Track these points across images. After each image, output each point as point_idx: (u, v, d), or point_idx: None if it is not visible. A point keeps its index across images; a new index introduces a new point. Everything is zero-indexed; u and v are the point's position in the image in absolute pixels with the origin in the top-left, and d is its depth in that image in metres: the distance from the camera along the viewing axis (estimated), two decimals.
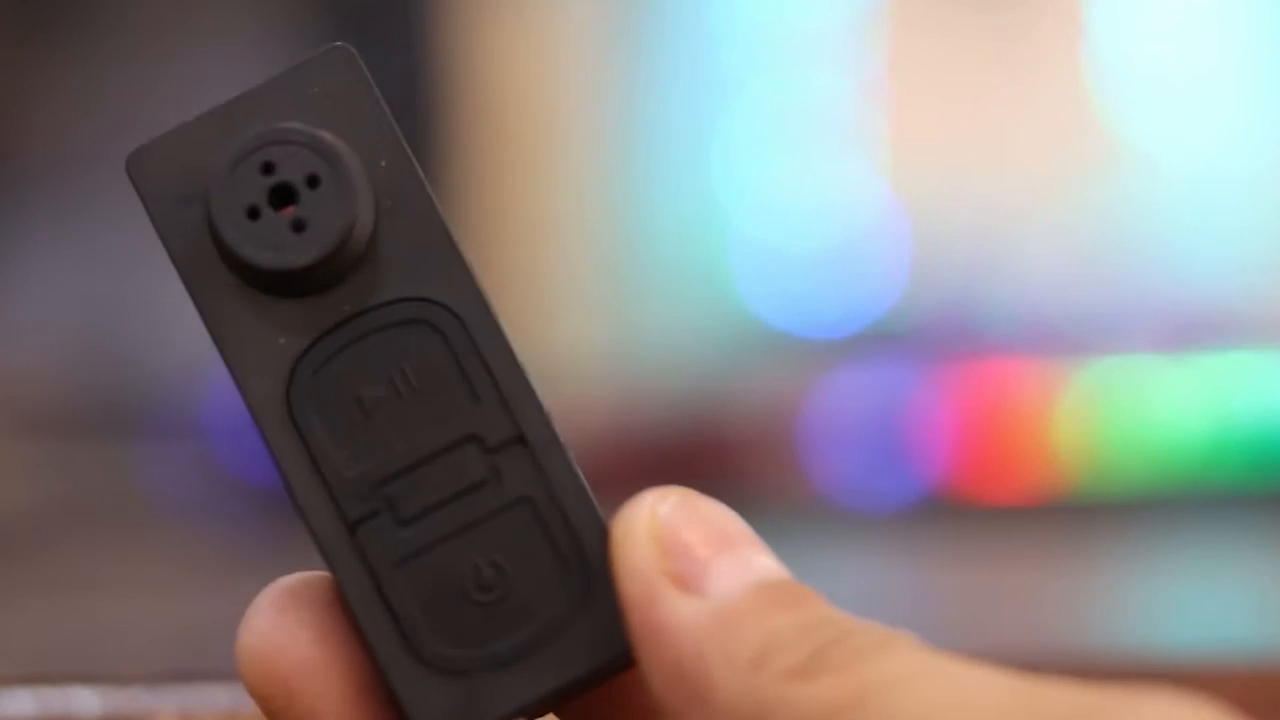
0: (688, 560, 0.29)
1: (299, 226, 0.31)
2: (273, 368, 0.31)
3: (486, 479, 0.30)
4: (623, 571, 0.29)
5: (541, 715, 0.31)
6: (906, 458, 1.58)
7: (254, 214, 0.31)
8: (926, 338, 1.61)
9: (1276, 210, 1.64)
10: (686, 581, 0.29)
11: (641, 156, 1.70)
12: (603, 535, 0.30)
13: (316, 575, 0.31)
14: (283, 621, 0.31)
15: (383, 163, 0.32)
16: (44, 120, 1.61)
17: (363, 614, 0.30)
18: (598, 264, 1.71)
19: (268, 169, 0.31)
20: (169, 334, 1.59)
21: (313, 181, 0.31)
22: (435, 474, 0.30)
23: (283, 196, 0.31)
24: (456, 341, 0.31)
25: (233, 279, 0.31)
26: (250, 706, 0.41)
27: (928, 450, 1.58)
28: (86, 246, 1.59)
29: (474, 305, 0.31)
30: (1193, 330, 1.60)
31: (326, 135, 0.31)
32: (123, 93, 1.61)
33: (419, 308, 0.31)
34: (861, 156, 1.65)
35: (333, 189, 0.31)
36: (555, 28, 1.69)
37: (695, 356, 1.64)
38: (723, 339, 1.65)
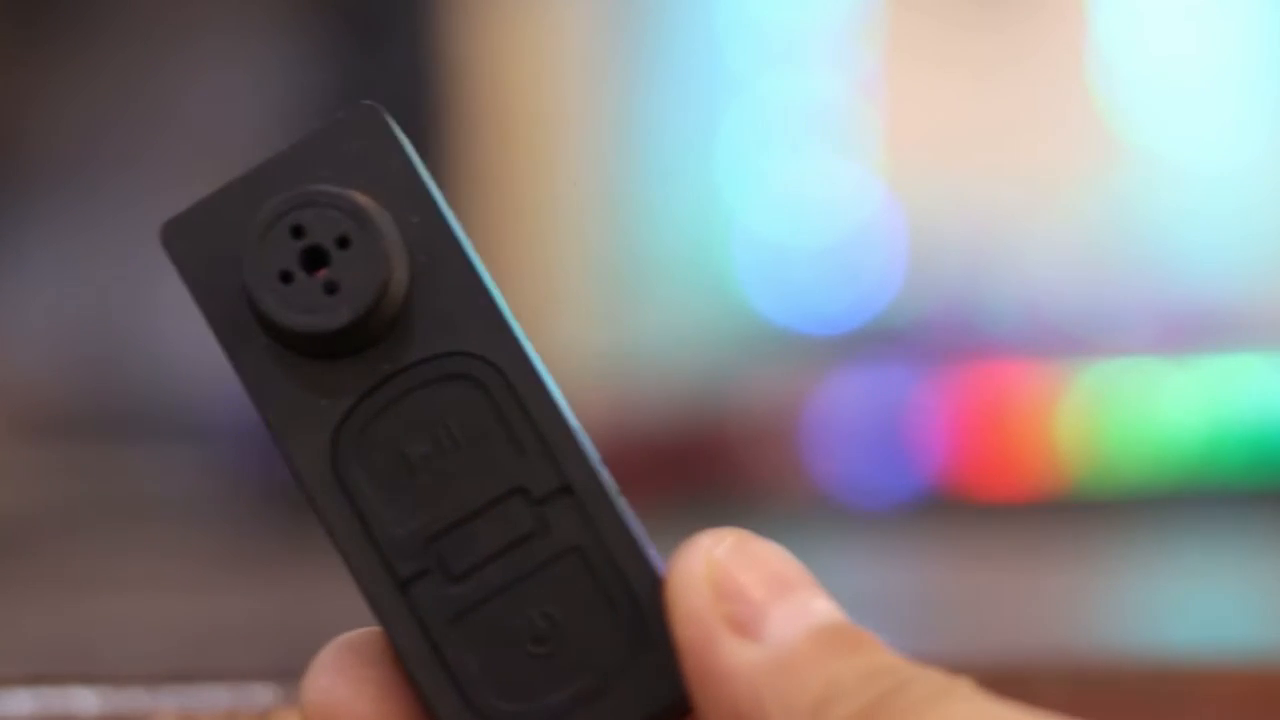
0: (745, 604, 0.29)
1: (331, 289, 0.31)
2: (316, 431, 0.31)
3: (534, 530, 0.30)
4: (679, 617, 0.29)
5: None
6: (907, 455, 1.58)
7: (287, 278, 0.31)
8: (927, 336, 1.61)
9: (1279, 211, 1.64)
10: (744, 626, 0.29)
11: (643, 154, 1.70)
12: (656, 581, 0.30)
13: (378, 631, 0.31)
14: (345, 678, 0.31)
15: (415, 219, 0.32)
16: (43, 120, 1.61)
17: (419, 671, 0.30)
18: (599, 261, 1.71)
19: (298, 232, 0.31)
20: (169, 335, 1.59)
21: (343, 242, 0.31)
22: (483, 528, 0.30)
23: (314, 259, 0.31)
24: (498, 394, 0.31)
25: (271, 344, 0.31)
26: (250, 707, 0.41)
27: (928, 448, 1.58)
28: (86, 247, 1.59)
29: (514, 357, 0.31)
30: (1193, 331, 1.60)
31: (354, 195, 0.31)
32: (122, 93, 1.61)
33: (459, 362, 0.31)
34: (862, 154, 1.65)
35: (363, 249, 0.31)
36: (556, 27, 1.69)
37: (697, 354, 1.64)
38: (724, 336, 1.65)
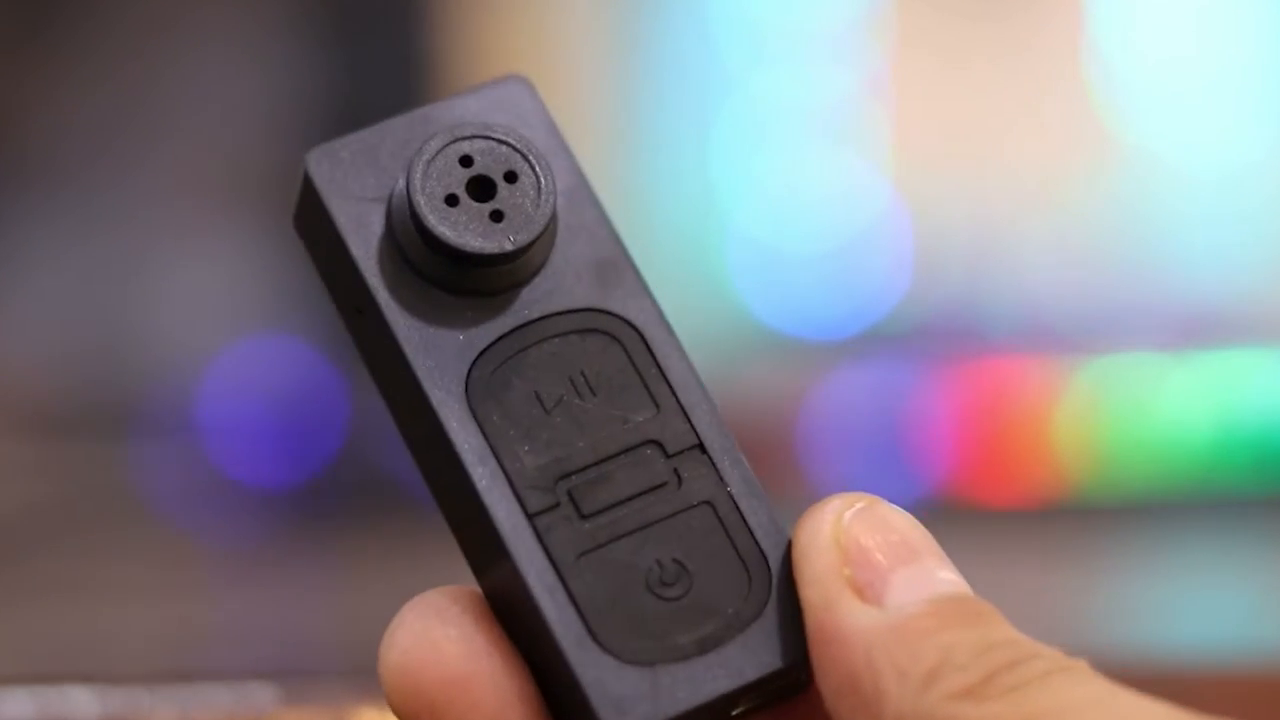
0: (869, 569, 0.29)
1: (498, 217, 0.31)
2: (453, 362, 0.31)
3: (667, 481, 0.31)
4: (804, 577, 0.29)
5: (722, 713, 0.30)
6: (909, 460, 1.58)
7: (452, 201, 0.31)
8: (928, 338, 1.61)
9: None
10: (866, 590, 0.29)
11: (640, 155, 1.70)
12: (784, 540, 0.31)
13: (459, 589, 0.31)
14: (427, 637, 0.30)
15: (561, 178, 0.32)
16: (41, 119, 1.61)
17: (544, 600, 0.30)
18: None
19: (466, 161, 0.32)
20: (164, 333, 1.59)
21: (511, 177, 0.32)
22: (617, 474, 0.31)
23: (483, 190, 0.32)
24: (635, 352, 0.32)
25: (414, 277, 0.31)
26: (250, 707, 0.41)
27: (930, 452, 1.58)
28: (80, 245, 1.59)
29: (652, 319, 0.32)
30: (1197, 330, 1.60)
31: (526, 133, 0.32)
32: (122, 92, 1.61)
33: (598, 318, 0.32)
34: (861, 155, 1.65)
35: (531, 185, 0.31)
36: (553, 26, 1.69)
37: (694, 357, 1.64)
38: (722, 339, 1.65)
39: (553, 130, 0.33)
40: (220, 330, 1.59)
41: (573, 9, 1.69)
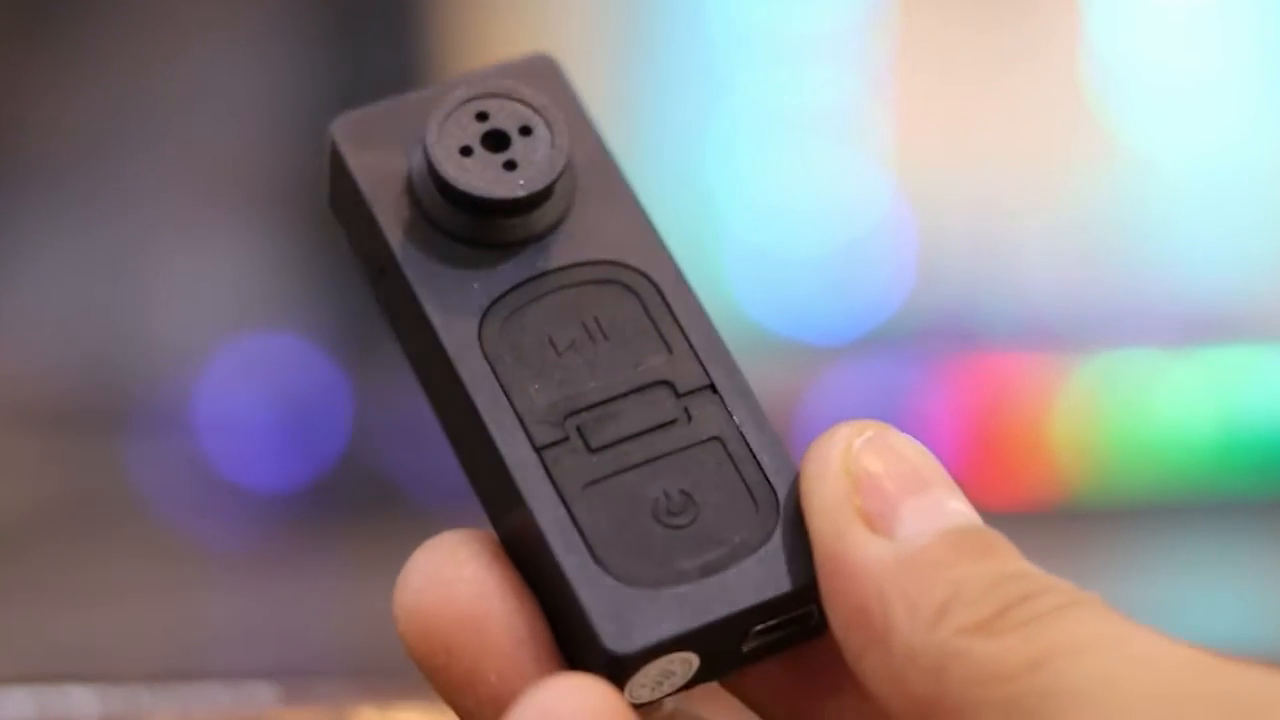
0: (879, 498, 0.29)
1: (510, 166, 0.32)
2: (467, 308, 0.32)
3: (677, 418, 0.31)
4: (812, 507, 0.29)
5: (726, 637, 0.30)
6: None
7: (467, 152, 0.32)
8: (927, 339, 1.61)
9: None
10: (876, 521, 0.28)
11: (639, 156, 1.70)
12: (792, 473, 0.31)
13: (471, 531, 0.31)
14: (440, 579, 0.30)
15: (583, 150, 0.33)
16: (37, 116, 1.61)
17: (549, 527, 0.30)
18: None
19: (482, 117, 0.33)
20: (164, 332, 1.59)
21: (526, 130, 0.33)
22: (625, 410, 0.31)
23: (497, 143, 0.33)
24: (650, 302, 0.32)
25: (433, 232, 0.32)
26: (250, 707, 0.41)
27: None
28: (79, 243, 1.59)
29: (668, 272, 0.33)
30: (1198, 328, 1.60)
31: (539, 94, 0.33)
32: (122, 91, 1.61)
33: (614, 270, 0.32)
34: (861, 157, 1.65)
35: (545, 137, 0.32)
36: (552, 27, 1.69)
37: None
38: None
39: (575, 101, 0.34)
40: (220, 329, 1.59)
41: (572, 10, 1.70)
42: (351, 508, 1.47)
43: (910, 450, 0.30)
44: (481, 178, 0.32)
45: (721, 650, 0.30)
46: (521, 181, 0.32)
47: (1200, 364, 1.58)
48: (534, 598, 0.30)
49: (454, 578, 0.30)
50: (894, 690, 0.27)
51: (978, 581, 0.28)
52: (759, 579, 0.30)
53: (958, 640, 0.27)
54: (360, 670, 0.45)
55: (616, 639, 0.30)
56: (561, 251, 0.32)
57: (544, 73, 0.34)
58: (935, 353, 1.61)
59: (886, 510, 0.29)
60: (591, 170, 0.33)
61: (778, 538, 0.30)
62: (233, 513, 1.48)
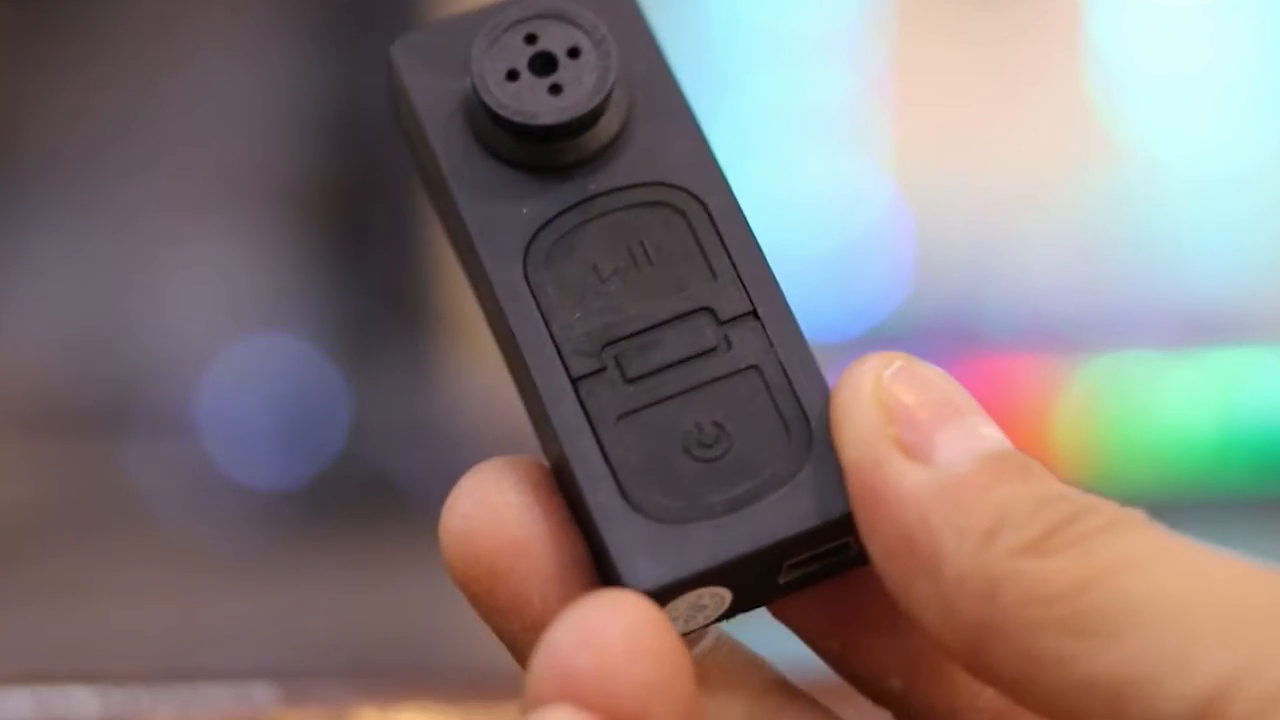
0: (913, 427, 0.28)
1: (556, 89, 0.32)
2: (513, 235, 0.31)
3: (716, 347, 0.31)
4: (846, 437, 0.29)
5: (757, 572, 0.30)
6: None
7: (513, 76, 0.32)
8: (927, 338, 1.61)
9: None
10: (913, 449, 0.28)
11: None
12: (828, 399, 0.30)
13: (519, 458, 0.31)
14: (485, 504, 0.30)
15: (642, 65, 0.33)
16: (39, 119, 1.61)
17: (577, 461, 0.30)
18: None
19: (531, 39, 0.32)
20: (164, 333, 1.59)
21: (574, 53, 0.32)
22: (665, 339, 0.31)
23: (544, 66, 0.32)
24: (699, 225, 0.31)
25: (485, 157, 0.32)
26: (250, 707, 0.41)
27: None
28: (81, 246, 1.59)
29: (720, 193, 0.32)
30: (1199, 328, 1.60)
31: (591, 15, 0.32)
32: (122, 93, 1.61)
33: (664, 192, 0.32)
34: (861, 157, 1.65)
35: (594, 60, 0.32)
36: None
37: None
38: None
39: (638, 17, 0.33)
40: (220, 330, 1.59)
41: None
42: (351, 508, 1.47)
43: (940, 379, 0.29)
44: (525, 102, 0.32)
45: (754, 584, 0.30)
46: (565, 106, 0.31)
47: (1200, 364, 1.58)
48: (577, 525, 0.30)
49: (500, 503, 0.30)
50: (944, 618, 0.27)
51: (1022, 503, 0.27)
52: (788, 513, 0.29)
53: (1009, 562, 0.27)
54: (360, 670, 0.45)
55: (636, 576, 0.29)
56: (613, 174, 0.32)
57: None
58: (934, 352, 1.61)
59: (922, 439, 0.28)
60: (650, 90, 0.33)
61: (809, 470, 0.30)
62: (233, 513, 1.48)
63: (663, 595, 0.29)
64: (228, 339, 1.58)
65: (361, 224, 1.63)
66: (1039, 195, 1.64)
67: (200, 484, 1.49)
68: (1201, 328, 1.60)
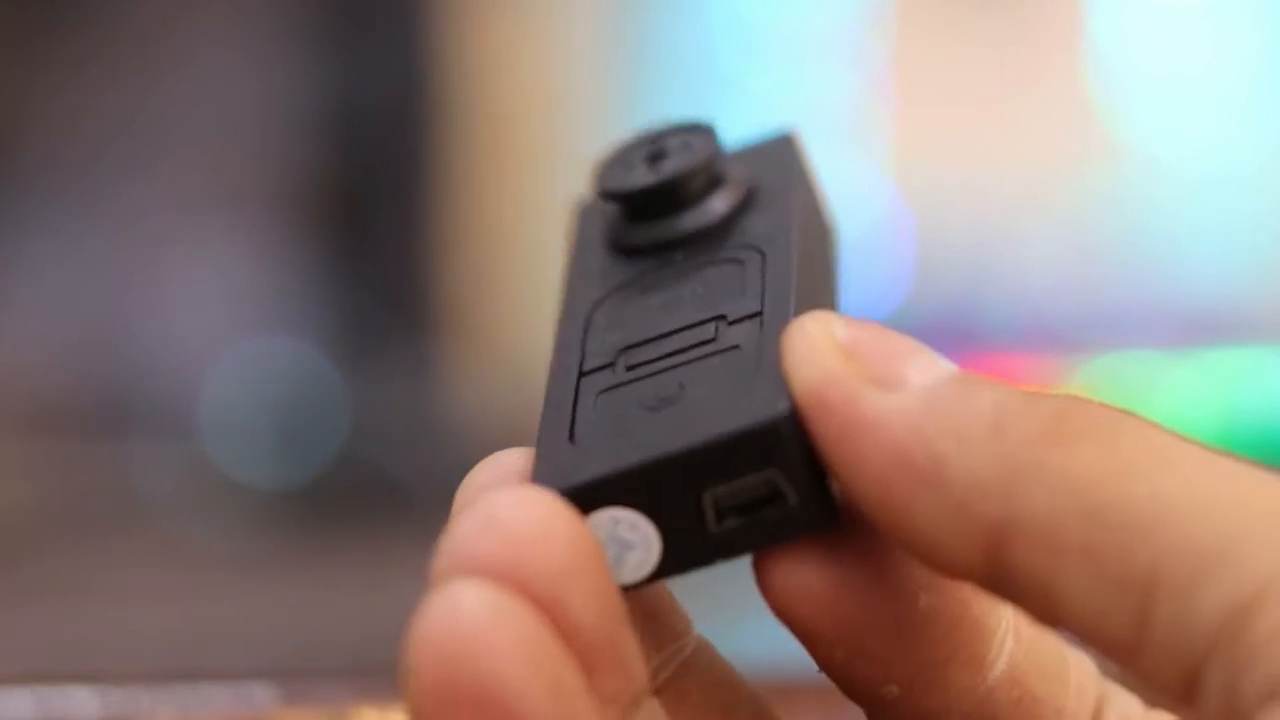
0: (879, 362, 0.27)
1: (654, 160, 0.33)
2: (596, 288, 0.32)
3: (711, 339, 0.30)
4: (814, 377, 0.27)
5: (675, 498, 0.28)
6: None
7: (627, 165, 0.33)
8: (927, 338, 1.61)
9: None
10: (883, 380, 0.27)
11: None
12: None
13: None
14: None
15: (776, 195, 0.33)
16: (41, 120, 1.61)
17: (543, 424, 0.30)
18: None
19: (655, 140, 0.33)
20: (165, 333, 1.59)
21: (685, 146, 0.33)
22: (672, 340, 0.31)
23: (655, 156, 0.33)
24: (751, 268, 0.31)
25: (604, 245, 0.33)
26: (250, 707, 0.41)
27: None
28: (81, 247, 1.59)
29: (782, 248, 0.32)
30: (1199, 327, 1.60)
31: (711, 132, 0.33)
32: (123, 93, 1.61)
33: (738, 250, 0.32)
34: (861, 157, 1.65)
35: (698, 147, 0.33)
36: (553, 26, 1.69)
37: None
38: None
39: (795, 170, 0.34)
40: (220, 330, 1.59)
41: (572, 10, 1.69)
42: (351, 508, 1.47)
43: (882, 329, 0.28)
44: (623, 178, 0.33)
45: (678, 521, 0.28)
46: (652, 175, 0.32)
47: (1200, 364, 1.58)
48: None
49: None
50: (956, 528, 0.26)
51: (1014, 399, 0.26)
52: (707, 421, 0.28)
53: (1025, 452, 0.25)
54: (360, 670, 0.45)
55: (543, 481, 0.28)
56: (697, 250, 0.32)
57: (775, 142, 0.35)
58: (935, 351, 1.61)
59: (891, 371, 0.27)
60: (768, 211, 0.33)
61: (745, 392, 0.28)
62: (233, 513, 1.48)
63: (569, 500, 0.28)
64: (228, 339, 1.58)
65: (361, 224, 1.63)
66: (1039, 195, 1.64)
67: (200, 484, 1.49)
68: (1201, 328, 1.60)
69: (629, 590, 0.28)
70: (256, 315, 1.60)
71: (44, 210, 1.60)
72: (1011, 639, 0.29)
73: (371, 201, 1.64)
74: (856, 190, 1.64)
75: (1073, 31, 1.65)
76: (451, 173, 1.66)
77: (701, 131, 0.33)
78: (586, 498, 0.28)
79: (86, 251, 1.60)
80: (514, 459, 0.29)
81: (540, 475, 0.28)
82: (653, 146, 0.33)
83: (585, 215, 0.35)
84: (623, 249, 0.33)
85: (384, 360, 1.57)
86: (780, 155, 0.34)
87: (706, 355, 0.30)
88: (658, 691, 0.29)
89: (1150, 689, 0.25)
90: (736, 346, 0.30)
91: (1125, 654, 0.25)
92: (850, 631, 0.28)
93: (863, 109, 1.66)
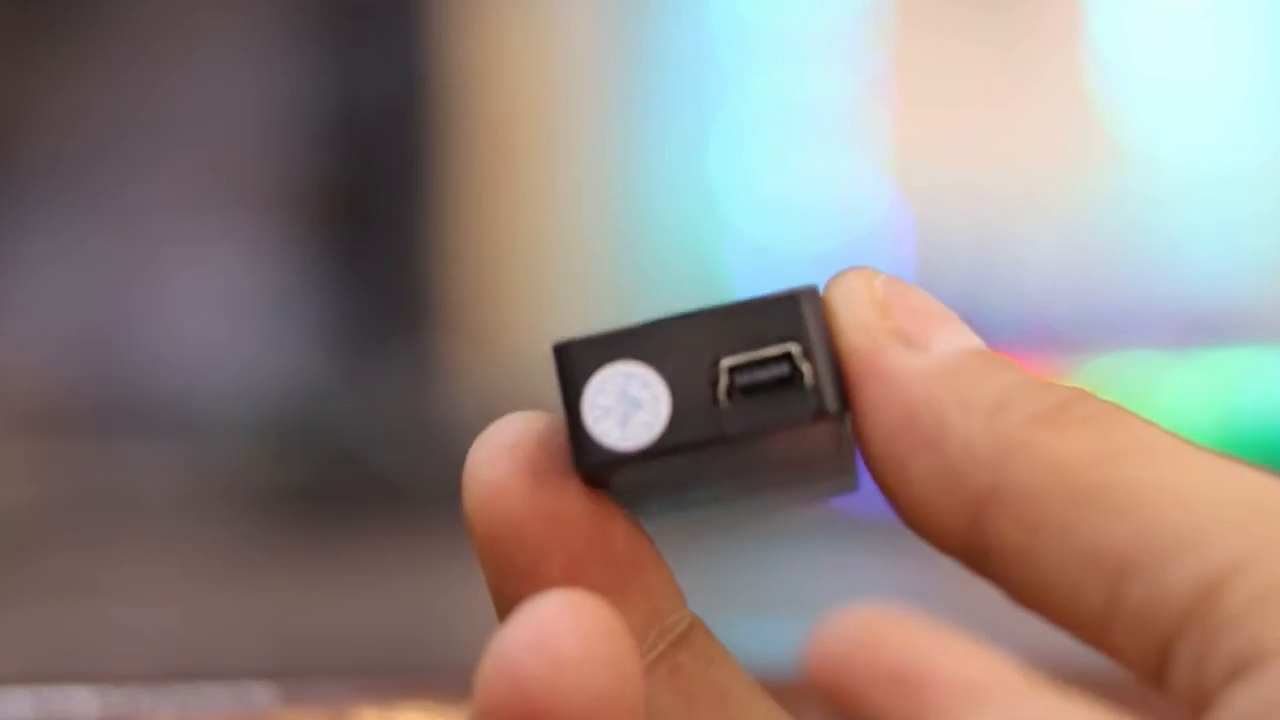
0: (910, 319, 0.29)
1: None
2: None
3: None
4: (846, 325, 0.29)
5: (687, 358, 0.29)
6: None
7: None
8: None
9: None
10: (910, 338, 0.29)
11: (640, 156, 1.70)
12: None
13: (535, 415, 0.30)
14: (522, 460, 0.30)
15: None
16: (42, 120, 1.61)
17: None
18: (596, 265, 1.71)
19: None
20: (165, 333, 1.59)
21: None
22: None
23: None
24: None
25: None
26: (250, 707, 0.41)
27: None
28: (82, 246, 1.59)
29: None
30: (1199, 327, 1.60)
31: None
32: (123, 93, 1.61)
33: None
34: (861, 156, 1.65)
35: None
36: (553, 26, 1.69)
37: None
38: None
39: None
40: (220, 330, 1.59)
41: (572, 10, 1.69)
42: (351, 508, 1.47)
43: (919, 294, 0.30)
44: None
45: (690, 386, 0.28)
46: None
47: (1200, 364, 1.58)
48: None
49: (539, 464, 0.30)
50: (946, 490, 0.28)
51: (1022, 384, 0.28)
52: (728, 302, 0.29)
53: (1020, 430, 0.27)
54: (360, 670, 0.45)
55: (562, 339, 0.28)
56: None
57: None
58: None
59: (919, 332, 0.29)
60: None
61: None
62: (233, 513, 1.48)
63: (577, 354, 0.28)
64: (228, 339, 1.58)
65: (361, 224, 1.63)
66: (1039, 195, 1.65)
67: (200, 484, 1.50)
68: (1201, 328, 1.61)
69: (630, 460, 0.28)
70: (256, 315, 1.60)
71: (44, 210, 1.60)
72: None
73: (371, 202, 1.64)
74: (856, 190, 1.64)
75: (1073, 32, 1.65)
76: (451, 173, 1.66)
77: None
78: (607, 348, 0.28)
79: (86, 251, 1.60)
80: (529, 421, 0.30)
81: (570, 343, 0.28)
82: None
83: None
84: None
85: (383, 360, 1.57)
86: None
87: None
88: (651, 666, 0.30)
89: (1120, 667, 0.26)
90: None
91: (1096, 633, 0.26)
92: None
93: (863, 109, 1.66)
